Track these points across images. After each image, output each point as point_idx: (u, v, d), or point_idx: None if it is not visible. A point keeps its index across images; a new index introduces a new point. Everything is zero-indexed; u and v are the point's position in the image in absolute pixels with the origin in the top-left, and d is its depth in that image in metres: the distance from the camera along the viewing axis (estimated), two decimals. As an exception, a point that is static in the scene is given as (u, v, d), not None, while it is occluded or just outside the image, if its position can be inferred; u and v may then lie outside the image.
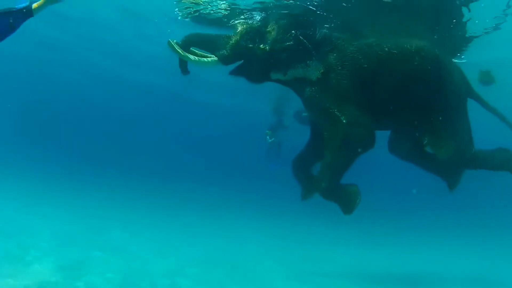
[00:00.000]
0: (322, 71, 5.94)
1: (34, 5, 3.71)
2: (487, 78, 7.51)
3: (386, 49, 6.07)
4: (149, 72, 17.99)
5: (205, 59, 6.24)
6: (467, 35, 7.80)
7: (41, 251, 8.09)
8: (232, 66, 6.40)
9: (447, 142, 5.98)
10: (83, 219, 11.58)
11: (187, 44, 6.21)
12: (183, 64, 6.31)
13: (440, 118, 6.04)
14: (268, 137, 12.82)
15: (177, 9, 8.81)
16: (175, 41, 6.00)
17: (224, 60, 6.21)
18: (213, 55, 6.23)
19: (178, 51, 6.00)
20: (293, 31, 6.07)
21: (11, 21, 3.59)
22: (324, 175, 6.00)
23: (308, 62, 5.95)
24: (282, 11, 7.32)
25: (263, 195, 22.32)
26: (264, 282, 7.99)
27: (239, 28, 6.31)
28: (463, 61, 8.44)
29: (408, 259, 11.58)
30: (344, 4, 6.76)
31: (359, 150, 5.93)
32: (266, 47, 6.09)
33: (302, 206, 7.25)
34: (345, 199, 6.07)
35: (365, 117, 5.93)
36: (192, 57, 6.14)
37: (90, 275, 7.14)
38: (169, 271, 8.00)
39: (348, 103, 5.91)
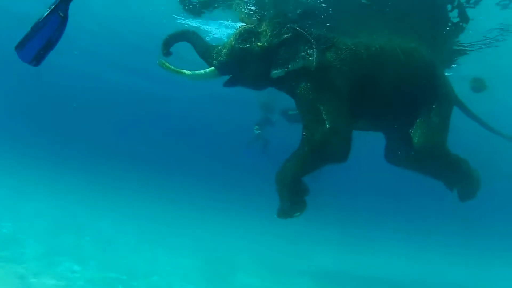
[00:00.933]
0: (319, 65, 5.77)
1: None
2: (479, 85, 7.53)
3: (384, 49, 6.14)
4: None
5: (201, 71, 6.08)
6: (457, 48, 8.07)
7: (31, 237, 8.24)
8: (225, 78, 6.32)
9: (428, 130, 6.16)
10: (72, 208, 11.70)
11: (180, 37, 6.05)
12: (166, 46, 6.03)
13: (426, 111, 6.22)
14: (255, 130, 12.96)
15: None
16: (163, 60, 5.87)
17: (222, 67, 6.07)
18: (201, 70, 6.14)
19: (171, 69, 5.88)
20: (289, 25, 6.02)
21: (61, 14, 3.34)
22: (286, 165, 5.86)
23: (308, 51, 5.79)
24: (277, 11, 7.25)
25: (249, 191, 22.39)
26: (234, 278, 7.92)
27: (233, 33, 6.23)
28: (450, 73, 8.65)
29: (389, 263, 11.55)
30: (338, 9, 6.92)
31: (331, 159, 5.90)
32: (264, 43, 5.99)
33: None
34: (295, 200, 5.93)
35: (348, 128, 5.92)
36: (187, 72, 6.00)
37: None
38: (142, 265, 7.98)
39: (338, 105, 5.85)
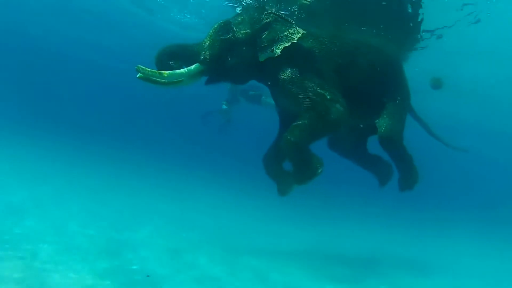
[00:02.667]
0: (301, 49, 6.14)
1: None
2: (437, 83, 8.17)
3: (356, 45, 6.70)
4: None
5: (182, 70, 5.94)
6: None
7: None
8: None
9: (391, 120, 6.78)
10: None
11: (165, 57, 6.03)
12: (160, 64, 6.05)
13: (392, 104, 6.90)
14: (223, 105, 13.35)
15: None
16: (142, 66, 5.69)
17: (207, 62, 6.10)
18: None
19: (149, 73, 5.69)
20: (266, 11, 6.30)
21: None
22: (294, 132, 5.99)
23: (290, 31, 6.03)
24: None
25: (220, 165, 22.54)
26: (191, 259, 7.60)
27: (211, 30, 6.32)
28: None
29: (361, 242, 11.90)
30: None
31: (333, 127, 6.17)
32: (247, 30, 6.22)
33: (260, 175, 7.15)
34: (307, 165, 6.03)
35: (343, 99, 6.26)
36: (165, 72, 5.82)
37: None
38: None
39: (329, 84, 6.21)
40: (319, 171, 6.05)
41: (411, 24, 8.06)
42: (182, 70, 5.95)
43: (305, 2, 7.49)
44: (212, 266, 7.20)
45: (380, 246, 11.63)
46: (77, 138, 21.03)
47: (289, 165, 6.34)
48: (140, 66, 5.64)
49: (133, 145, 24.56)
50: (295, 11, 7.69)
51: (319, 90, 6.05)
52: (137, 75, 5.65)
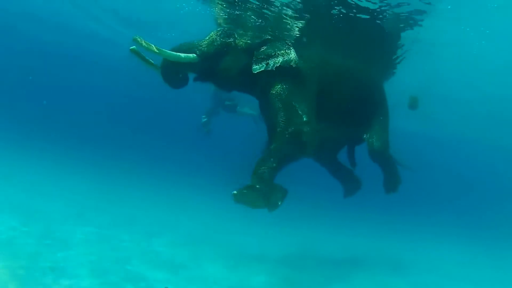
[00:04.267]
0: (294, 68, 6.40)
1: None
2: (414, 103, 8.87)
3: (341, 67, 7.30)
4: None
5: (181, 54, 6.22)
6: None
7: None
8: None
9: (380, 136, 7.51)
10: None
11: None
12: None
13: (377, 122, 7.61)
14: (202, 118, 13.81)
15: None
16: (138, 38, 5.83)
17: (203, 55, 6.35)
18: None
19: (145, 46, 5.84)
20: (263, 34, 6.84)
21: None
22: (266, 161, 6.21)
23: (287, 51, 6.36)
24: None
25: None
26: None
27: (214, 31, 6.63)
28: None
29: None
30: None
31: (302, 151, 6.46)
32: (247, 41, 6.55)
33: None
34: (273, 193, 6.28)
35: (319, 125, 6.63)
36: (166, 51, 6.07)
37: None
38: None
39: (309, 104, 6.53)
40: (279, 203, 6.40)
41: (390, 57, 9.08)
42: (179, 54, 6.25)
43: (297, 34, 8.24)
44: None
45: (364, 247, 12.20)
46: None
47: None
48: (137, 36, 5.84)
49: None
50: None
51: (299, 111, 6.36)
52: (130, 47, 5.83)
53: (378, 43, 8.46)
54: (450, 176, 30.99)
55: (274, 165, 6.22)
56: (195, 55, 6.33)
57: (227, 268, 8.16)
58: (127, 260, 7.70)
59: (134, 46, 5.88)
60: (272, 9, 7.86)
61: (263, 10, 7.94)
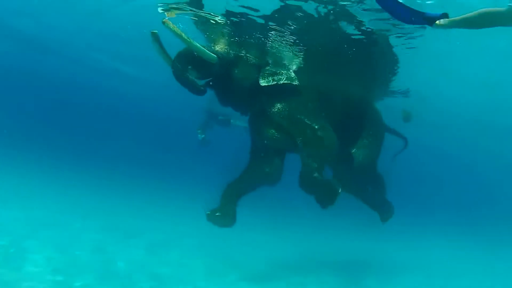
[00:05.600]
0: (294, 86, 6.88)
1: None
2: (408, 117, 9.52)
3: (332, 88, 7.76)
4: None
5: (204, 48, 6.32)
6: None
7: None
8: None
9: (367, 151, 7.84)
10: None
11: (183, 58, 6.30)
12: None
13: (367, 137, 7.96)
14: (199, 135, 14.14)
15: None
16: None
17: (221, 58, 6.62)
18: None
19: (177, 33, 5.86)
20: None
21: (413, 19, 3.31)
22: (311, 165, 6.62)
23: (289, 72, 6.98)
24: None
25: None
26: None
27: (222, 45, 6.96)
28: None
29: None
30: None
31: (332, 150, 6.94)
32: (256, 59, 7.07)
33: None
34: (326, 191, 6.67)
35: (328, 125, 7.07)
36: (196, 43, 6.16)
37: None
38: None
39: (315, 115, 7.00)
40: (338, 194, 6.68)
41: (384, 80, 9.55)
42: (205, 49, 6.35)
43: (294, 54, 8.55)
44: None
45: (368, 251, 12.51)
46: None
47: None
48: (166, 20, 5.79)
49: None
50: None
51: (307, 121, 6.87)
52: (152, 30, 5.81)
53: (369, 67, 8.86)
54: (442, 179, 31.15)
55: (317, 167, 6.67)
56: (216, 56, 6.54)
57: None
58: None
59: (156, 30, 5.80)
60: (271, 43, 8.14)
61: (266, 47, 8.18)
